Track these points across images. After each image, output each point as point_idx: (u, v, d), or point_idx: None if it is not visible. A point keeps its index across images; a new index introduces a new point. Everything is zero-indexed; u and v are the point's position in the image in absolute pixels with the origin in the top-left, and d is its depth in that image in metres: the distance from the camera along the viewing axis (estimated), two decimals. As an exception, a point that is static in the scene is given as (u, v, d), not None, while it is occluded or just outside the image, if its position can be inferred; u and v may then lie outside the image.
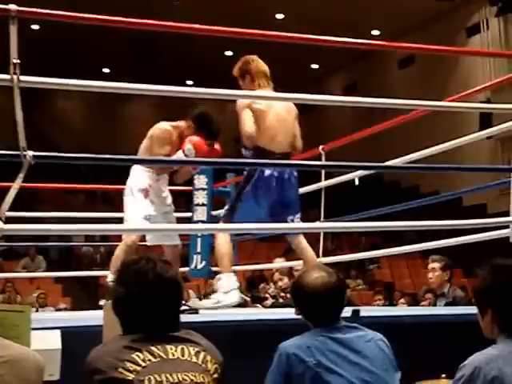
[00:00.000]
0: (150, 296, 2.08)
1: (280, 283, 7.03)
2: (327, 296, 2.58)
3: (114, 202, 15.71)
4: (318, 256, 5.24)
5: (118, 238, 9.00)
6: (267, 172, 4.39)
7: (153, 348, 2.02)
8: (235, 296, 4.33)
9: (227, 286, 4.30)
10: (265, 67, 4.64)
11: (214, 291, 4.65)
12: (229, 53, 16.60)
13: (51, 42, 15.09)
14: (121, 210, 8.48)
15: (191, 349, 2.08)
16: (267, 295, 7.09)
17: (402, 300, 8.60)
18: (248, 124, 4.38)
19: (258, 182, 4.40)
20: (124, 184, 8.45)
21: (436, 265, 5.89)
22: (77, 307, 10.36)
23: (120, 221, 9.61)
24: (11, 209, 2.84)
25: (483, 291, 2.28)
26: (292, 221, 4.47)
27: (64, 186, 9.15)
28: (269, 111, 4.48)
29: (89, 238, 11.71)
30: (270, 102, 4.51)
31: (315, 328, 2.59)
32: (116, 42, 14.20)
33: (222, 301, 4.29)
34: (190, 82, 17.72)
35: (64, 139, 18.54)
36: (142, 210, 4.93)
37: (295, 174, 4.52)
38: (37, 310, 8.83)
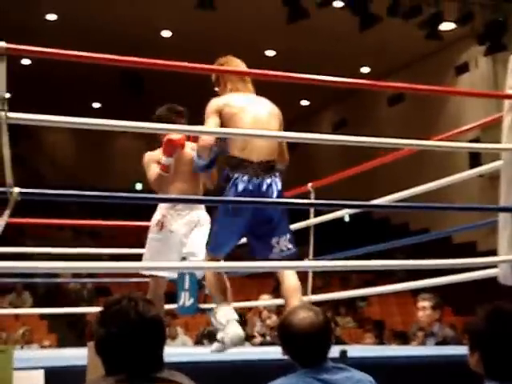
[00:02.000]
0: (132, 336, 2.04)
1: (268, 321, 6.97)
2: (314, 336, 2.55)
3: (102, 236, 15.68)
4: (306, 294, 5.20)
5: (105, 275, 8.97)
6: (240, 187, 3.90)
7: (136, 390, 1.98)
8: (234, 327, 3.99)
9: (224, 320, 4.02)
10: (239, 68, 4.25)
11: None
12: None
13: (42, 76, 15.13)
14: (108, 245, 8.44)
15: (174, 390, 2.04)
16: (255, 333, 7.04)
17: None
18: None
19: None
20: (112, 219, 8.37)
21: (426, 303, 5.86)
22: (63, 344, 10.25)
23: (107, 256, 9.53)
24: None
25: (475, 333, 2.30)
26: (277, 243, 3.98)
27: (50, 221, 9.09)
28: (244, 114, 4.05)
29: (76, 274, 11.63)
30: (245, 103, 4.11)
31: (302, 368, 2.55)
32: (106, 77, 14.23)
33: (226, 341, 3.99)
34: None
35: (52, 172, 18.51)
36: (148, 247, 4.78)
37: (278, 187, 3.98)
38: (22, 347, 8.72)
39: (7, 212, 2.85)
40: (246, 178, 3.92)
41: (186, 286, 6.08)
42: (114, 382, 2.00)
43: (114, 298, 2.11)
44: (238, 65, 4.28)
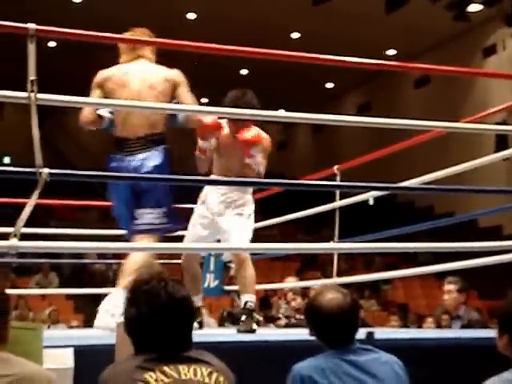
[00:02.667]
0: (162, 317, 2.06)
1: (293, 303, 6.99)
2: (342, 318, 2.56)
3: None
4: (331, 276, 5.20)
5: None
6: (112, 165, 3.94)
7: (165, 368, 2.01)
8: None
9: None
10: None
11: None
12: (244, 71, 16.67)
13: (68, 58, 15.19)
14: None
15: (204, 369, 2.06)
16: (280, 315, 7.06)
17: (430, 319, 8.49)
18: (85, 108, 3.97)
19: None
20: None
21: (452, 287, 5.85)
22: (89, 324, 10.34)
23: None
24: (25, 224, 2.84)
25: (504, 316, 2.30)
26: (141, 215, 3.92)
27: (77, 203, 9.19)
28: (123, 89, 3.96)
29: (101, 255, 11.70)
30: (126, 77, 4.00)
31: (329, 350, 2.56)
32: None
33: None
34: (204, 100, 17.78)
35: (78, 156, 18.63)
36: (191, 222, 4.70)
37: (155, 161, 3.92)
38: (49, 327, 8.82)
39: (36, 193, 2.88)
40: (118, 156, 3.95)
41: (211, 267, 6.13)
42: (143, 360, 2.02)
43: (144, 278, 2.13)
44: (145, 34, 4.08)
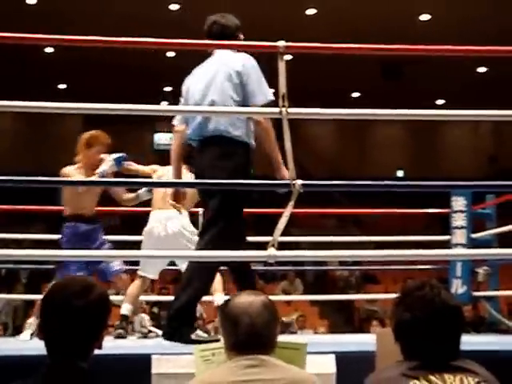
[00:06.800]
0: (435, 323, 2.04)
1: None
2: None
3: (364, 225, 15.84)
4: None
5: (371, 263, 9.07)
6: None
7: (431, 377, 1.98)
8: None
9: None
10: None
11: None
12: (482, 69, 16.09)
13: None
14: (372, 233, 8.50)
15: (470, 379, 2.00)
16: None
17: None
18: None
19: None
20: (374, 207, 8.51)
21: None
22: (335, 330, 10.51)
23: (373, 244, 9.64)
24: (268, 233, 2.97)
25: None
26: None
27: (317, 211, 9.47)
28: None
29: (343, 261, 11.85)
30: None
31: None
32: (364, 66, 14.32)
33: None
34: (440, 102, 17.39)
35: (314, 165, 18.99)
36: None
37: None
38: (295, 332, 9.08)
39: (291, 203, 3.00)
40: None
41: (458, 273, 6.00)
42: (408, 368, 2.01)
43: (415, 284, 2.13)
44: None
